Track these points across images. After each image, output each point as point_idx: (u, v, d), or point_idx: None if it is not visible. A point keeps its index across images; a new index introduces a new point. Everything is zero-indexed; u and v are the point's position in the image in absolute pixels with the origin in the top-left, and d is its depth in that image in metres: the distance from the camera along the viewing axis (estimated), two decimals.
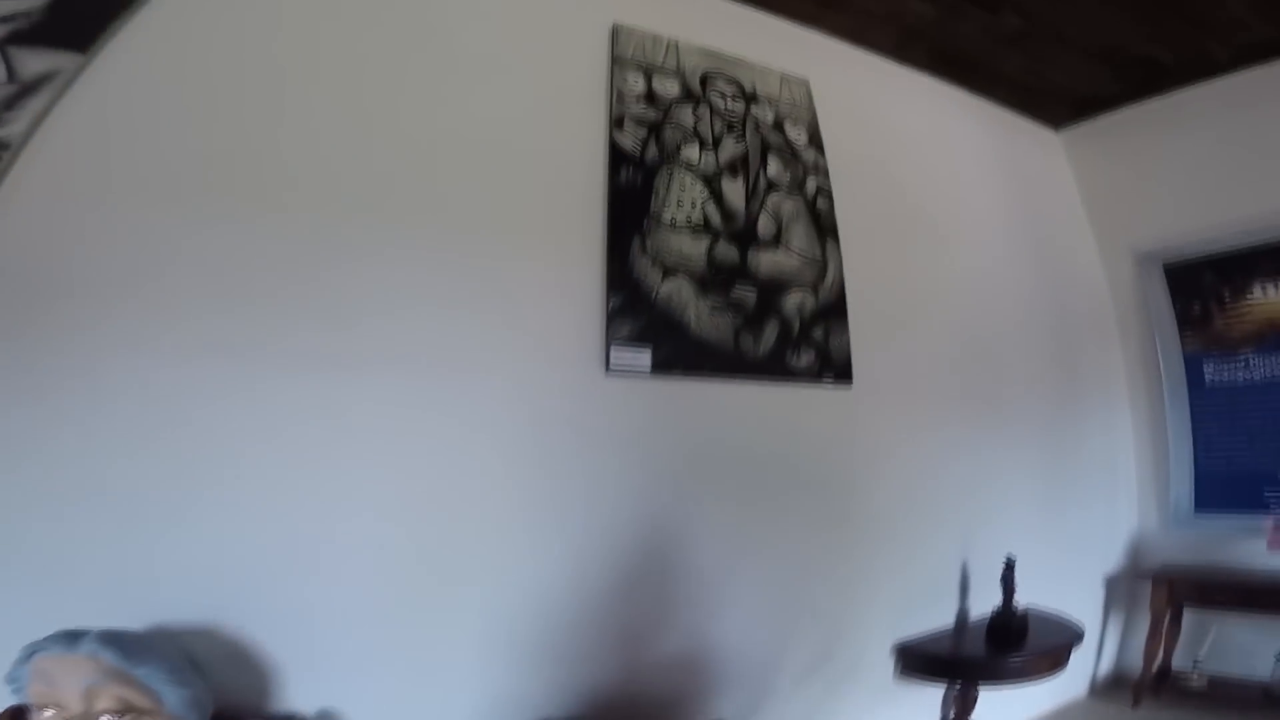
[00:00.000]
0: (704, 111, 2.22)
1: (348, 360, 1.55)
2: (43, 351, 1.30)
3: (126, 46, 1.61)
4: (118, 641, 0.99)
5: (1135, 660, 2.77)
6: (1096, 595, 2.88)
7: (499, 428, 1.70)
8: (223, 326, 1.44)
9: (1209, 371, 2.92)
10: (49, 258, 1.38)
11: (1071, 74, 2.91)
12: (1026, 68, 2.88)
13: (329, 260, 1.59)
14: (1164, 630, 2.69)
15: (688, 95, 2.22)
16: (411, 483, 1.58)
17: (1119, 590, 2.93)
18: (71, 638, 0.97)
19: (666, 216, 2.03)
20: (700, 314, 2.00)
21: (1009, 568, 2.27)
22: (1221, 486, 2.90)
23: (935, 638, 2.29)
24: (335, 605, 1.44)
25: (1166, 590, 2.68)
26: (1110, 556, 2.96)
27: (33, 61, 1.55)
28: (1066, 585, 2.66)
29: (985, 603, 2.35)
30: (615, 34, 2.20)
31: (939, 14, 2.56)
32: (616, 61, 2.15)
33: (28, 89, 1.53)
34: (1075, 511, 2.84)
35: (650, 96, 2.15)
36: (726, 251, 2.10)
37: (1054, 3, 2.47)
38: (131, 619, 1.17)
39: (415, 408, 1.61)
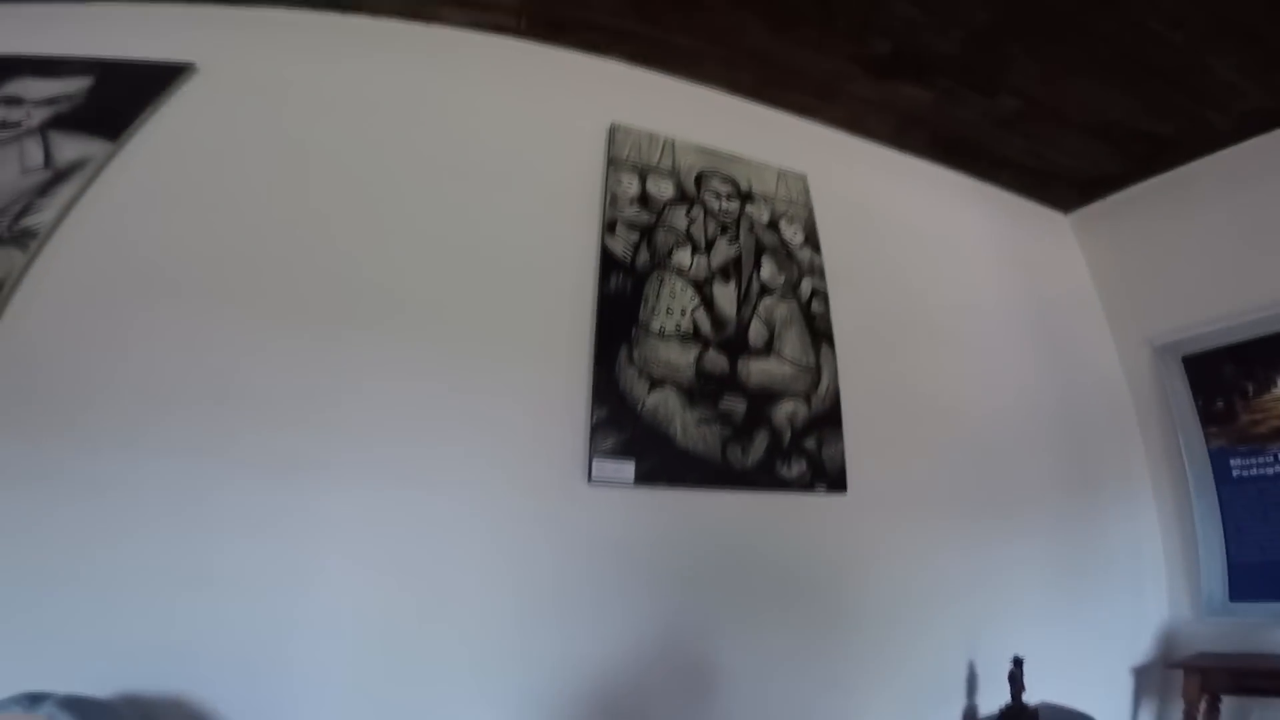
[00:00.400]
0: (698, 213, 2.22)
1: (334, 462, 1.60)
2: (45, 439, 1.40)
3: (149, 140, 1.77)
4: (76, 706, 1.03)
5: None
6: (1124, 688, 2.73)
7: (479, 532, 1.70)
8: (213, 426, 1.54)
9: (1236, 466, 2.79)
10: (60, 351, 1.50)
11: (1075, 154, 2.87)
12: (1029, 150, 2.85)
13: (322, 366, 1.67)
14: (1199, 719, 2.56)
15: (682, 196, 2.23)
16: (390, 584, 1.59)
17: (1150, 681, 2.77)
18: (33, 699, 1.01)
19: (655, 325, 2.02)
20: (687, 425, 1.96)
21: (1017, 665, 2.17)
22: (1256, 575, 2.75)
23: None
24: (307, 694, 1.45)
25: (1199, 679, 2.54)
26: (1138, 648, 2.80)
27: (68, 148, 1.70)
28: (1088, 679, 2.53)
29: (995, 701, 2.22)
30: (612, 134, 2.23)
31: (936, 99, 2.56)
32: (612, 163, 2.18)
33: (60, 176, 1.66)
34: (1096, 605, 2.71)
35: (644, 199, 2.16)
36: (716, 361, 2.06)
37: (1049, 82, 2.47)
38: (103, 686, 1.24)
39: (397, 510, 1.63)
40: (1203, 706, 2.52)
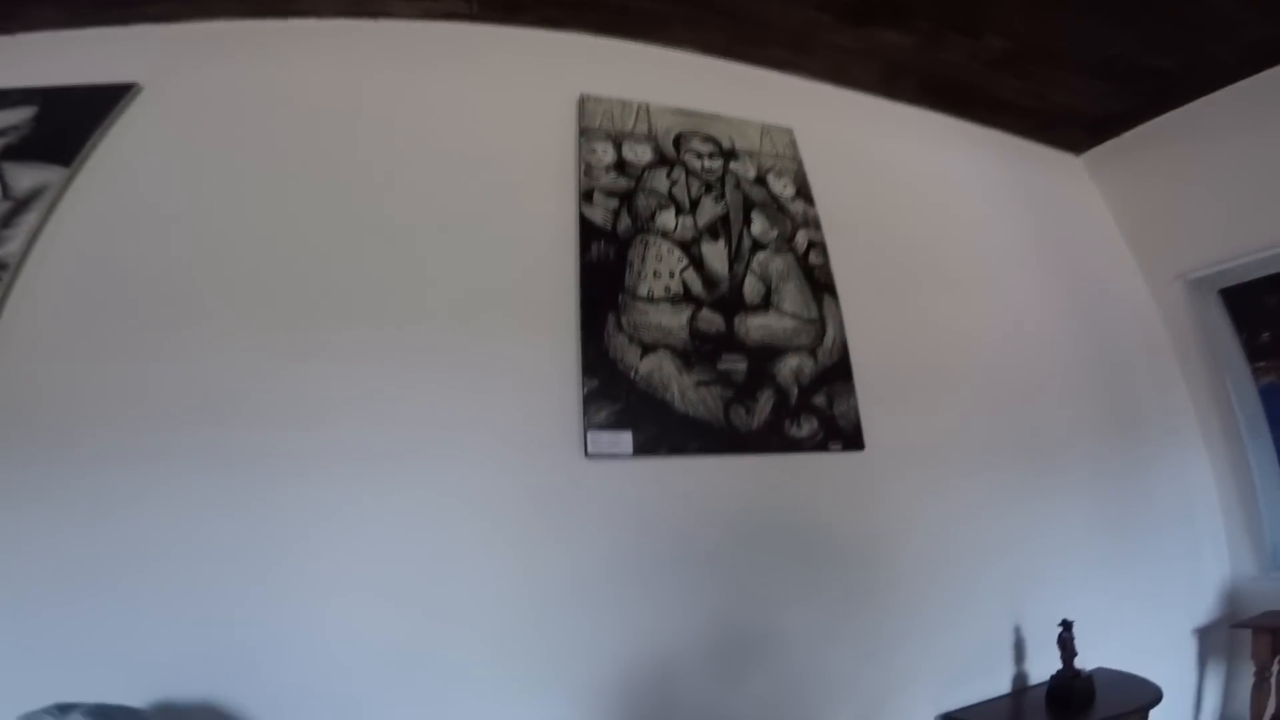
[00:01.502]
0: (679, 174, 2.12)
1: (332, 459, 1.57)
2: (46, 461, 1.41)
3: (104, 161, 1.75)
4: (103, 715, 1.05)
5: (1242, 713, 2.45)
6: (1186, 650, 2.55)
7: (477, 516, 1.64)
8: (206, 432, 1.50)
9: None
10: (48, 376, 1.48)
11: (1077, 93, 2.71)
12: (1027, 91, 2.69)
13: (308, 364, 1.63)
14: (1273, 680, 2.33)
15: (661, 159, 2.13)
16: (395, 572, 1.55)
17: (1215, 643, 2.58)
18: (62, 710, 1.03)
19: (643, 290, 1.91)
20: (685, 390, 1.84)
21: (1066, 629, 2.02)
22: None
23: (987, 706, 2.02)
24: (329, 686, 1.44)
25: (1270, 639, 2.36)
26: (1199, 608, 2.61)
27: (24, 176, 1.68)
28: (1145, 642, 2.36)
29: (1046, 667, 2.08)
30: (582, 105, 2.14)
31: (918, 44, 2.43)
32: (584, 133, 2.09)
33: (21, 205, 1.65)
34: (1149, 562, 2.52)
35: (620, 165, 2.07)
36: (710, 320, 1.94)
37: (1036, 19, 2.31)
38: (134, 694, 1.23)
39: (396, 500, 1.59)
40: (1275, 668, 2.34)
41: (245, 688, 1.37)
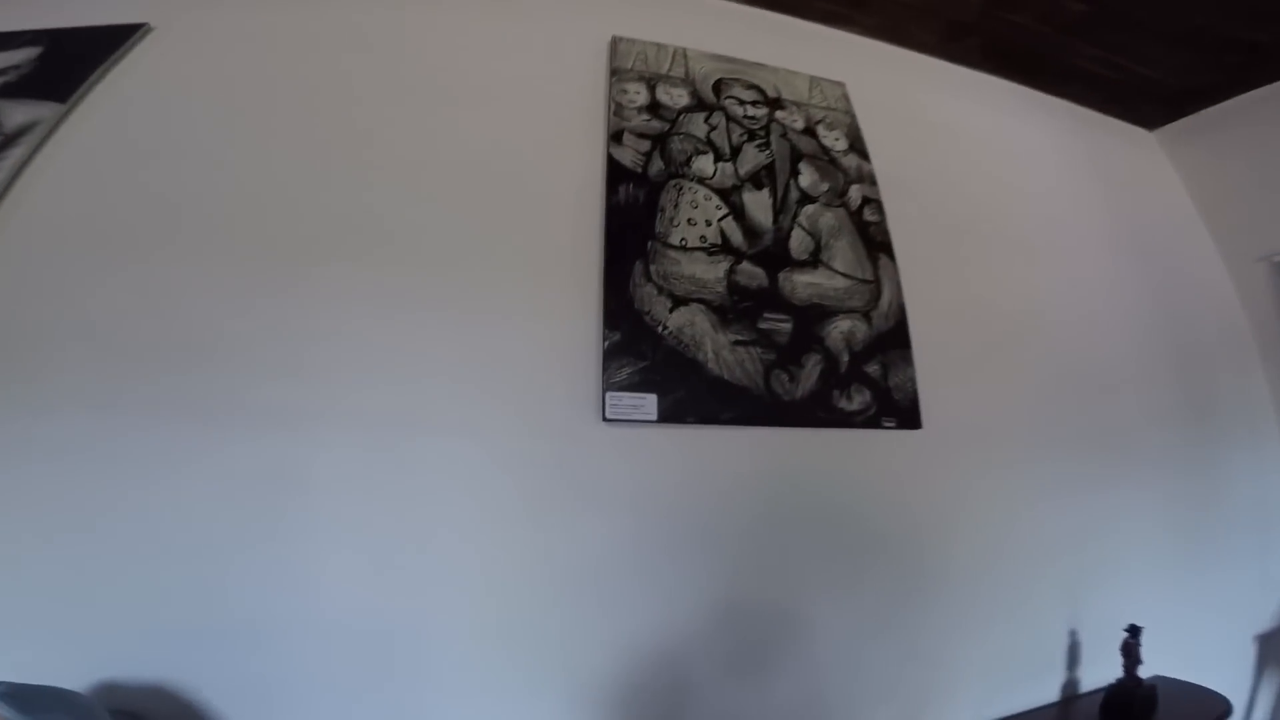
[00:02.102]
0: (719, 119, 1.91)
1: (313, 413, 1.39)
2: (5, 405, 1.26)
3: (104, 99, 1.60)
4: (18, 695, 0.95)
5: None
6: (1243, 657, 2.33)
7: (477, 483, 1.45)
8: (182, 382, 1.34)
9: None
10: (20, 314, 1.33)
11: (1157, 65, 2.47)
12: (1102, 60, 2.46)
13: (302, 308, 1.46)
14: None
15: (699, 104, 1.93)
16: (379, 544, 1.37)
17: (1275, 650, 2.36)
18: None
19: (675, 237, 1.70)
20: (719, 349, 1.63)
21: (1133, 635, 1.81)
22: None
23: (1033, 716, 1.82)
24: (300, 675, 1.28)
25: None
26: (1263, 613, 2.39)
27: (17, 113, 1.56)
28: (1209, 649, 2.16)
29: (1100, 675, 1.88)
30: (614, 46, 1.95)
31: (985, 2, 2.21)
32: (615, 74, 1.90)
33: (10, 140, 1.52)
34: (1218, 564, 2.30)
35: (654, 106, 1.87)
36: (751, 274, 1.73)
37: None
38: (74, 674, 1.13)
39: (386, 463, 1.41)
40: None
41: (203, 670, 1.23)
